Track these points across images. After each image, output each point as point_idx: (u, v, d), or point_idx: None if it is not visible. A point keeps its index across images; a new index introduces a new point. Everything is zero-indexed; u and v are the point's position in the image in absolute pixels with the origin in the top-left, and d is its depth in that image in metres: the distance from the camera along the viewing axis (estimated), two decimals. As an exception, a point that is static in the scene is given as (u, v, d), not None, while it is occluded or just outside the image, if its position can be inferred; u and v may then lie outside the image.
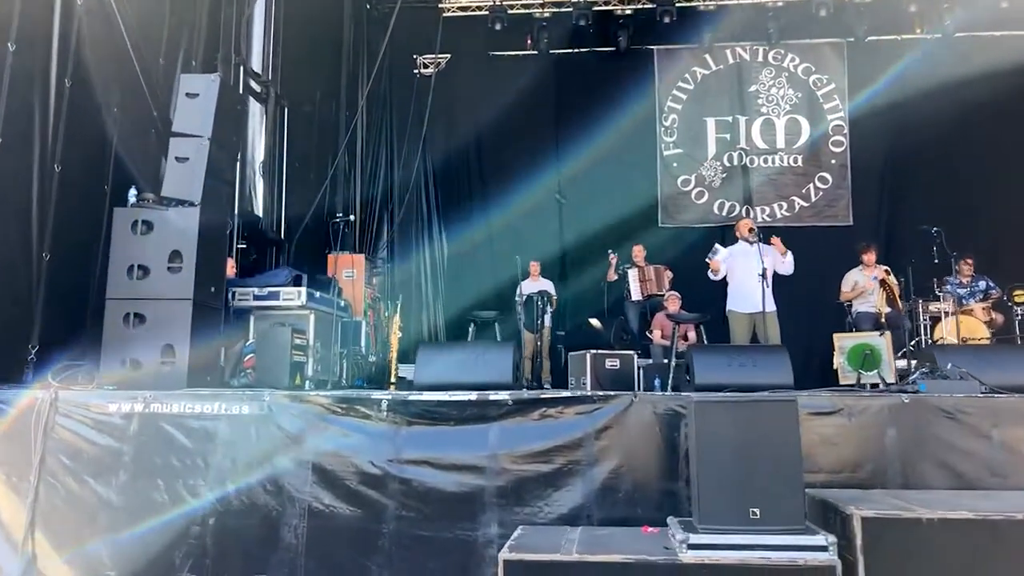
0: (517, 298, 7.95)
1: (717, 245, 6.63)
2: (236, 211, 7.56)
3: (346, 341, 6.73)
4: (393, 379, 5.25)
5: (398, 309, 5.46)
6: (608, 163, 9.89)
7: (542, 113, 10.08)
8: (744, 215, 9.69)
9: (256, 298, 5.99)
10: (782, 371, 4.70)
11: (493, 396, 3.65)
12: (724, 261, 6.28)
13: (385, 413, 3.64)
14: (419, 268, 10.06)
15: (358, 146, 10.09)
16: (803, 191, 9.87)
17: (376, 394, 3.78)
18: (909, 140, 9.54)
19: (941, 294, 7.75)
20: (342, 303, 6.85)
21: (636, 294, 7.90)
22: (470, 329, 6.32)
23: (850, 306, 7.42)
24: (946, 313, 7.65)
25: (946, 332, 7.55)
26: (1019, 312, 8.08)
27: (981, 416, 3.32)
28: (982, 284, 7.94)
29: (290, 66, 8.87)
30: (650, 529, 3.12)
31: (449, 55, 10.19)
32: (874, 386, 5.39)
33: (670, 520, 3.01)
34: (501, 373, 4.36)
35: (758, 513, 2.63)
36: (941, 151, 9.39)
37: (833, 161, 9.87)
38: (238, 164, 7.49)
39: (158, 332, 4.59)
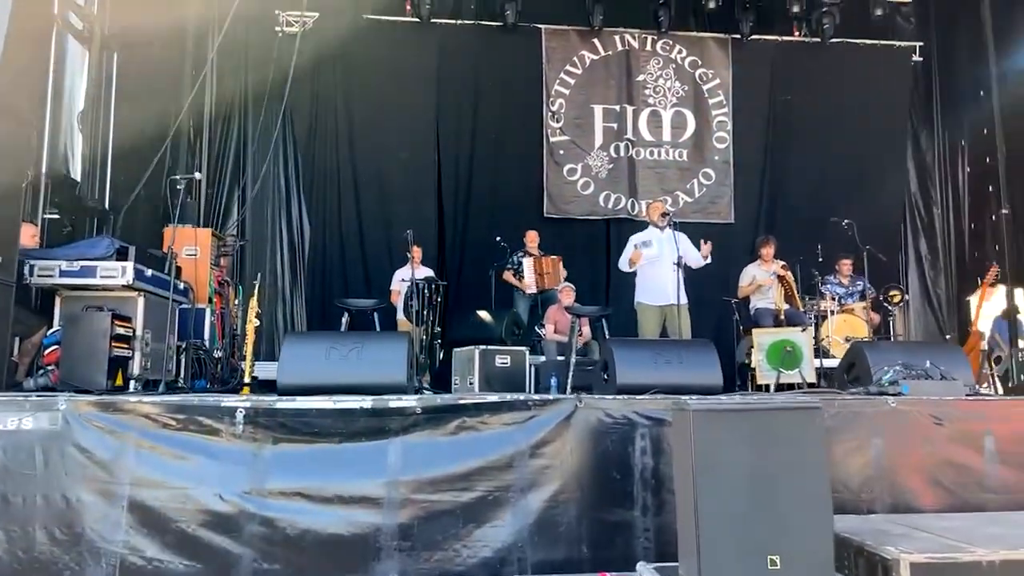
0: (397, 284, 7.04)
1: (632, 238, 6.05)
2: (44, 169, 6.08)
3: (185, 332, 5.51)
4: (248, 379, 4.16)
5: (255, 291, 4.37)
6: (492, 146, 9.20)
7: (421, 87, 9.14)
8: (630, 210, 9.37)
9: (64, 274, 4.65)
10: (712, 370, 4.16)
11: (395, 403, 2.74)
12: (639, 248, 5.70)
13: (241, 427, 2.62)
14: (275, 251, 8.81)
15: (206, 107, 8.66)
16: (687, 186, 9.66)
17: (228, 400, 2.74)
18: (788, 141, 9.61)
19: (826, 292, 7.75)
20: (181, 285, 5.61)
21: (531, 286, 7.20)
22: (343, 320, 5.32)
23: (748, 302, 7.18)
24: (832, 312, 7.64)
25: (832, 330, 7.52)
26: (893, 312, 8.32)
27: (972, 422, 2.88)
28: (860, 284, 8.02)
29: (123, 3, 7.35)
30: (610, 577, 2.39)
31: (317, 14, 8.99)
32: (793, 386, 5.05)
33: (641, 567, 2.28)
34: (392, 372, 3.46)
35: (778, 562, 1.96)
36: (816, 153, 9.53)
37: (717, 157, 9.73)
38: (47, 110, 6.07)
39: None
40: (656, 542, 2.67)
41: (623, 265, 5.96)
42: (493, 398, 2.82)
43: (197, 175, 5.35)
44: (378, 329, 5.52)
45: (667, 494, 2.66)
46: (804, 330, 4.96)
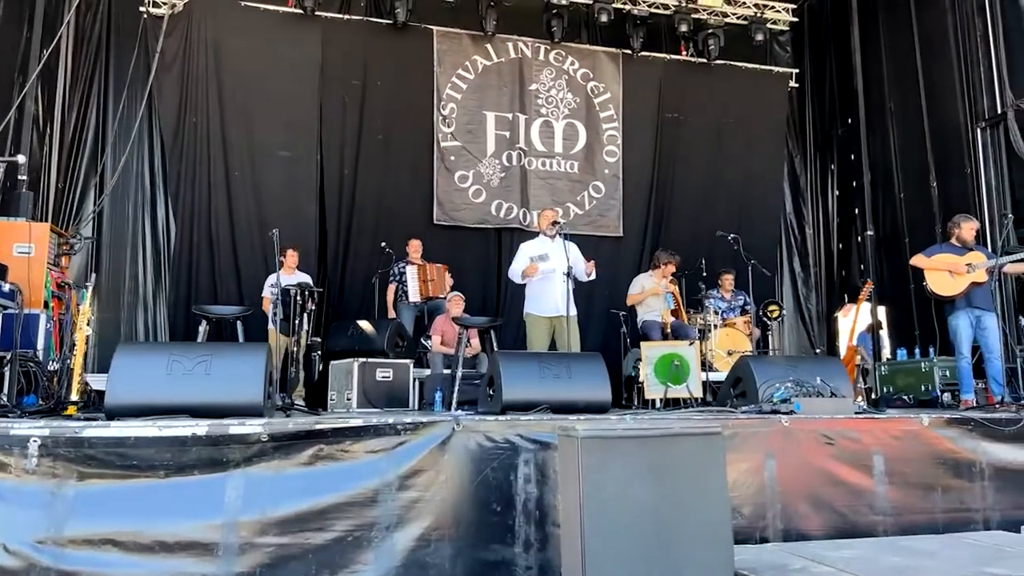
0: (268, 291, 6.47)
1: (523, 246, 5.81)
2: None
3: (9, 340, 4.76)
4: (76, 396, 3.56)
5: (89, 293, 3.78)
6: (380, 148, 8.75)
7: (304, 82, 8.57)
8: (522, 220, 9.19)
9: None
10: (600, 385, 3.97)
11: (236, 428, 2.30)
12: (535, 261, 5.46)
13: (35, 460, 2.11)
14: (137, 252, 8.00)
15: (59, 87, 7.76)
16: (578, 198, 9.60)
17: (20, 427, 2.21)
18: (675, 157, 9.76)
19: (709, 306, 7.84)
20: (6, 287, 4.86)
21: (413, 295, 6.83)
22: (201, 328, 4.74)
23: (635, 314, 7.14)
24: (714, 326, 7.73)
25: (715, 344, 7.60)
26: (771, 327, 8.57)
27: (862, 440, 2.79)
28: (741, 299, 8.19)
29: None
30: (485, 629, 2.08)
31: (188, -4, 8.29)
32: (679, 401, 4.95)
33: (521, 617, 1.99)
34: (246, 390, 3.02)
35: (674, 610, 1.72)
36: (701, 170, 9.73)
37: (607, 171, 9.72)
38: None
39: None
40: (539, 582, 2.40)
41: (515, 276, 5.72)
42: (356, 422, 2.44)
43: (20, 158, 4.63)
44: (241, 340, 4.97)
45: (552, 527, 2.40)
46: (692, 344, 4.88)
